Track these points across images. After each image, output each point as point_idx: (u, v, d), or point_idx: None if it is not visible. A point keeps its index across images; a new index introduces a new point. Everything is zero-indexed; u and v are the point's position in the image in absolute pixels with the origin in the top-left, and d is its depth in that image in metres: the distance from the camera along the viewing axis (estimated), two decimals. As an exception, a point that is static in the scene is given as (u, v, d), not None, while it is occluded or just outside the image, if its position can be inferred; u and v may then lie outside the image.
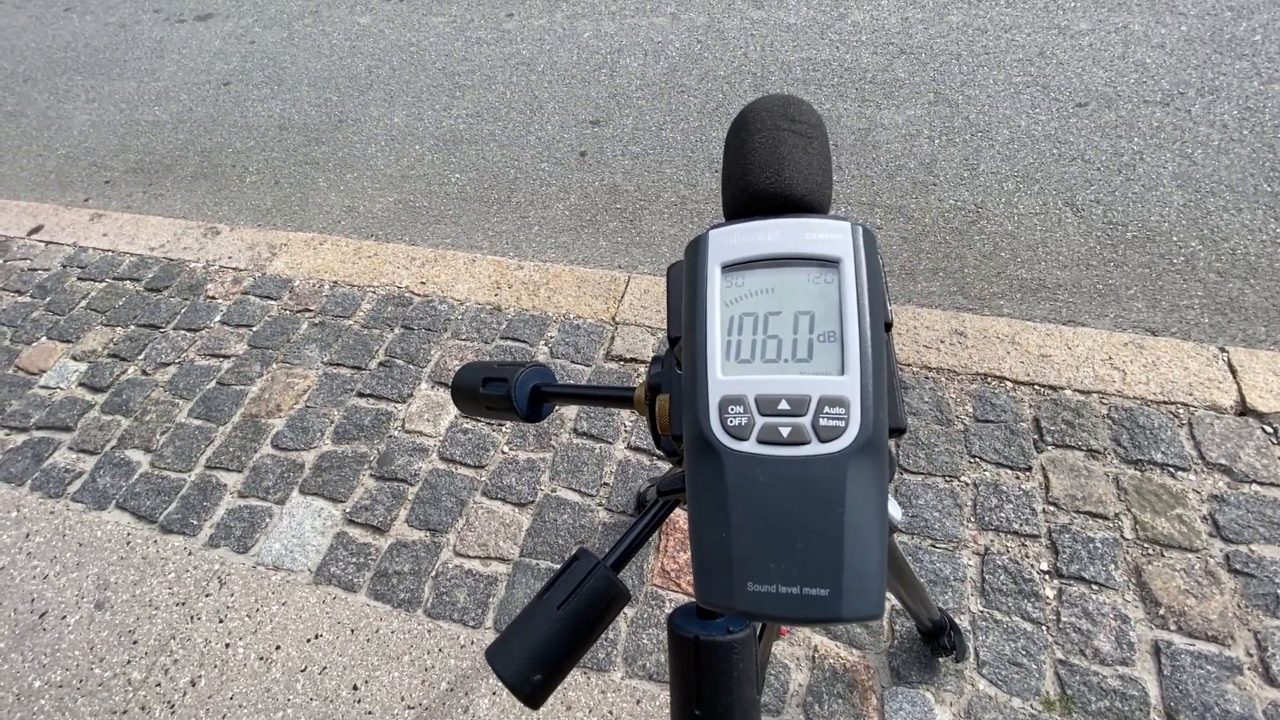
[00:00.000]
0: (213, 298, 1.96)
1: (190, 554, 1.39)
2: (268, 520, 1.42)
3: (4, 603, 1.36)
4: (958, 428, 1.37)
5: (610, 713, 1.10)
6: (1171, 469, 1.25)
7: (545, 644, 0.43)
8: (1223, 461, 1.24)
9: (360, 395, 1.63)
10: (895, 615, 1.15)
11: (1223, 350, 1.41)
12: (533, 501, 1.38)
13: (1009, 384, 1.43)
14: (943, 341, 1.52)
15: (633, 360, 1.60)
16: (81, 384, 1.78)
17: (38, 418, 1.71)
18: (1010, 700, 1.05)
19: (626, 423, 1.48)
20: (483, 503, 1.39)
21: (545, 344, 1.67)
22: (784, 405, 0.32)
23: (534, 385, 0.60)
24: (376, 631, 1.24)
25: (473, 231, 2.17)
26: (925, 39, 2.49)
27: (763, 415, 0.32)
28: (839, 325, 0.33)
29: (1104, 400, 1.37)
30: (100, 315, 1.97)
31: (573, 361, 1.62)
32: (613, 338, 1.65)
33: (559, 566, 0.46)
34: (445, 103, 2.73)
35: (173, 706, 1.18)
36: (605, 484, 1.39)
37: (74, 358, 1.85)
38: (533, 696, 0.42)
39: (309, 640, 1.24)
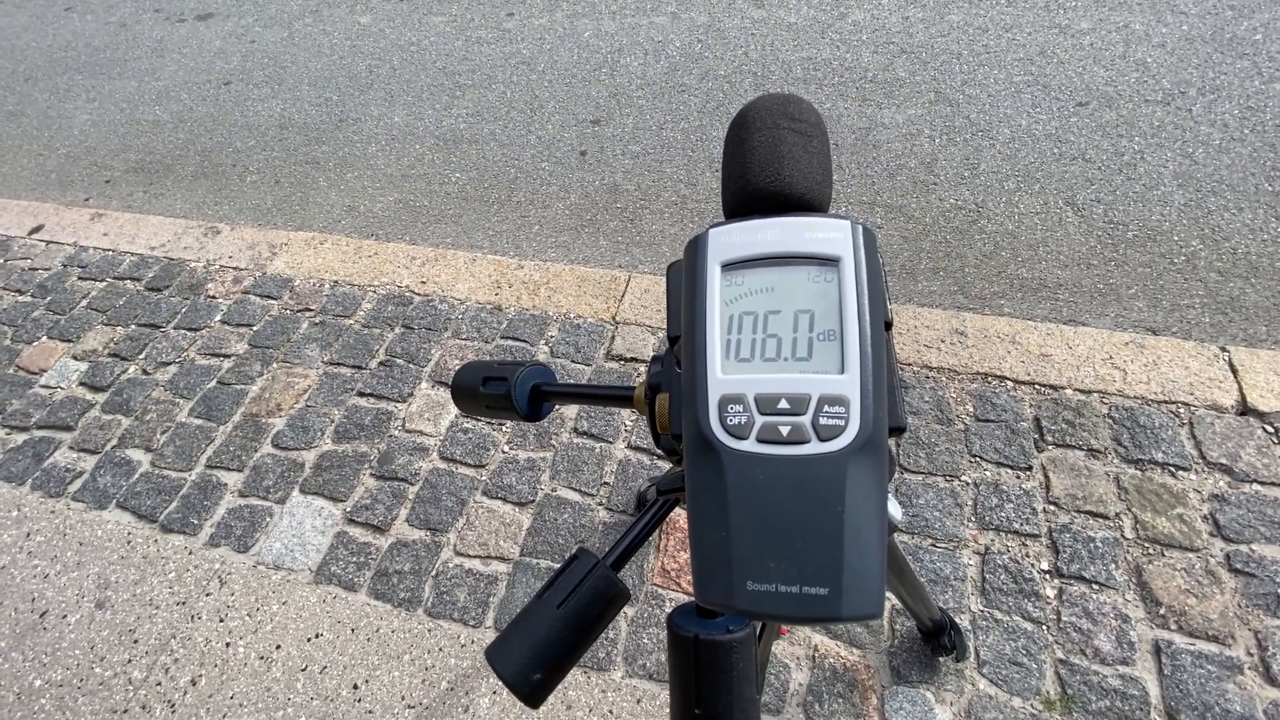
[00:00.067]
0: (213, 297, 1.96)
1: (191, 553, 1.39)
2: (268, 519, 1.43)
3: (5, 602, 1.36)
4: (958, 427, 1.37)
5: (610, 712, 1.10)
6: (1172, 468, 1.25)
7: (545, 643, 0.43)
8: (1223, 461, 1.24)
9: (361, 395, 1.63)
10: (895, 615, 1.15)
11: (1224, 350, 1.41)
12: (533, 501, 1.38)
13: (1010, 383, 1.43)
14: (943, 341, 1.52)
15: (633, 360, 1.60)
16: (82, 383, 1.78)
17: (38, 417, 1.71)
18: (1011, 700, 1.05)
19: (627, 422, 1.48)
20: (483, 502, 1.39)
21: (545, 343, 1.67)
22: (784, 404, 0.32)
23: (534, 384, 0.60)
24: (377, 631, 1.24)
25: (473, 231, 2.17)
26: (926, 38, 2.49)
27: (762, 414, 0.32)
28: (839, 324, 0.33)
29: (1105, 400, 1.37)
30: (101, 315, 1.97)
31: (573, 361, 1.62)
32: (613, 337, 1.65)
33: (559, 566, 0.46)
34: (446, 102, 2.73)
35: (173, 705, 1.18)
36: (605, 483, 1.39)
37: (75, 357, 1.86)
38: (532, 695, 0.42)
39: (309, 639, 1.24)
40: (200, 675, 1.21)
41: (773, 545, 0.30)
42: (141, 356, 1.82)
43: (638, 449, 1.43)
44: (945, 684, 1.07)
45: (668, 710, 0.85)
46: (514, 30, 3.03)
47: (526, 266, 1.89)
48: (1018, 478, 1.28)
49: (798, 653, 1.13)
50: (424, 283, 1.88)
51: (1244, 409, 1.31)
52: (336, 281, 1.94)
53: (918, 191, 1.99)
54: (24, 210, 2.46)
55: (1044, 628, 1.11)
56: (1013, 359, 1.46)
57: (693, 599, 0.37)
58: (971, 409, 1.39)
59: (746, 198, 0.40)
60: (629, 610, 1.21)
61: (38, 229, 2.35)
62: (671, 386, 0.40)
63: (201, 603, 1.31)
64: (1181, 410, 1.33)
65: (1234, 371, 1.37)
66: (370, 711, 1.14)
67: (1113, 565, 1.15)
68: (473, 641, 1.21)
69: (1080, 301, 1.66)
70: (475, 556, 1.31)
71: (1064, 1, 2.50)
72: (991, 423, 1.37)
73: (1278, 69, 2.10)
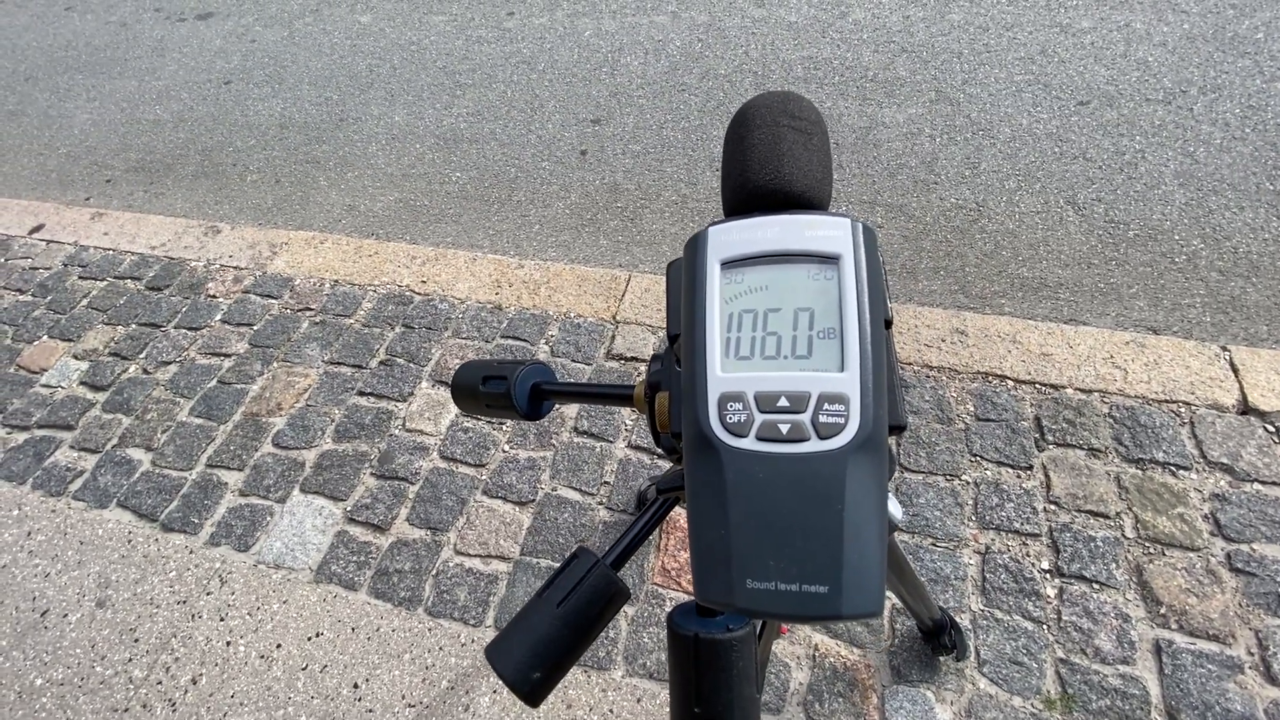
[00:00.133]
0: (213, 296, 1.96)
1: (191, 552, 1.39)
2: (269, 519, 1.43)
3: (6, 601, 1.36)
4: (959, 426, 1.37)
5: (610, 711, 1.10)
6: (1173, 468, 1.25)
7: (545, 642, 0.43)
8: (1224, 460, 1.24)
9: (361, 394, 1.63)
10: (896, 614, 1.15)
11: (1225, 349, 1.41)
12: (533, 500, 1.38)
13: (1010, 383, 1.42)
14: (944, 340, 1.52)
15: (633, 359, 1.60)
16: (83, 383, 1.78)
17: (39, 416, 1.71)
18: (1011, 699, 1.05)
19: (627, 421, 1.48)
20: (483, 501, 1.39)
21: (546, 343, 1.67)
22: (783, 402, 0.32)
23: (534, 383, 0.60)
24: (377, 630, 1.24)
25: (473, 230, 2.17)
26: (927, 37, 2.49)
27: (762, 412, 0.32)
28: (839, 322, 0.33)
29: (1105, 399, 1.37)
30: (101, 314, 1.97)
31: (573, 360, 1.62)
32: (613, 336, 1.65)
33: (559, 565, 0.46)
34: (446, 101, 2.73)
35: (174, 704, 1.18)
36: (606, 482, 1.39)
37: (75, 356, 1.86)
38: (532, 694, 0.42)
39: (310, 638, 1.24)
40: (201, 674, 1.22)
41: (772, 543, 0.30)
42: (142, 356, 1.82)
43: (638, 448, 1.43)
44: (946, 683, 1.07)
45: (668, 709, 0.85)
46: (514, 29, 3.03)
47: (527, 266, 1.89)
48: (1018, 477, 1.28)
49: (798, 652, 1.13)
50: (424, 282, 1.88)
51: (1245, 408, 1.31)
52: (337, 281, 1.94)
53: (918, 190, 1.99)
54: (24, 209, 2.46)
55: (1044, 627, 1.11)
56: (1013, 358, 1.46)
57: (693, 598, 0.37)
58: (972, 408, 1.39)
59: (746, 195, 0.40)
60: (629, 609, 1.21)
61: (38, 228, 2.35)
62: (671, 385, 0.40)
63: (202, 602, 1.31)
64: (1182, 410, 1.33)
65: (1235, 371, 1.36)
66: (370, 710, 1.14)
67: (1113, 565, 1.15)
68: (473, 640, 1.21)
69: (1081, 301, 1.66)
70: (475, 556, 1.31)
71: (1065, 0, 2.50)
72: (992, 422, 1.37)
73: (1279, 68, 2.10)
